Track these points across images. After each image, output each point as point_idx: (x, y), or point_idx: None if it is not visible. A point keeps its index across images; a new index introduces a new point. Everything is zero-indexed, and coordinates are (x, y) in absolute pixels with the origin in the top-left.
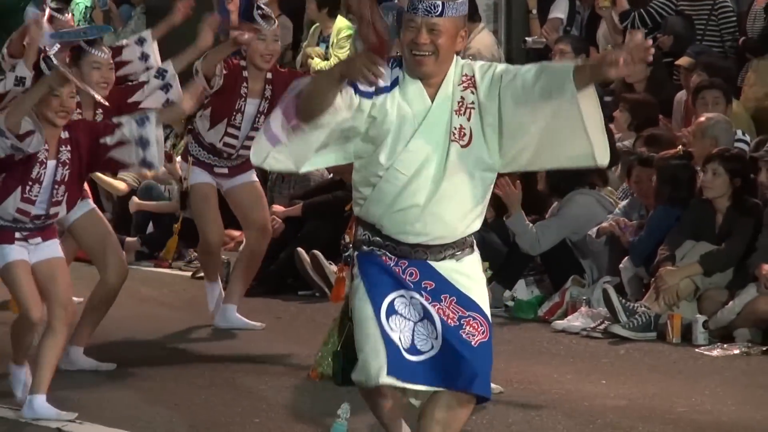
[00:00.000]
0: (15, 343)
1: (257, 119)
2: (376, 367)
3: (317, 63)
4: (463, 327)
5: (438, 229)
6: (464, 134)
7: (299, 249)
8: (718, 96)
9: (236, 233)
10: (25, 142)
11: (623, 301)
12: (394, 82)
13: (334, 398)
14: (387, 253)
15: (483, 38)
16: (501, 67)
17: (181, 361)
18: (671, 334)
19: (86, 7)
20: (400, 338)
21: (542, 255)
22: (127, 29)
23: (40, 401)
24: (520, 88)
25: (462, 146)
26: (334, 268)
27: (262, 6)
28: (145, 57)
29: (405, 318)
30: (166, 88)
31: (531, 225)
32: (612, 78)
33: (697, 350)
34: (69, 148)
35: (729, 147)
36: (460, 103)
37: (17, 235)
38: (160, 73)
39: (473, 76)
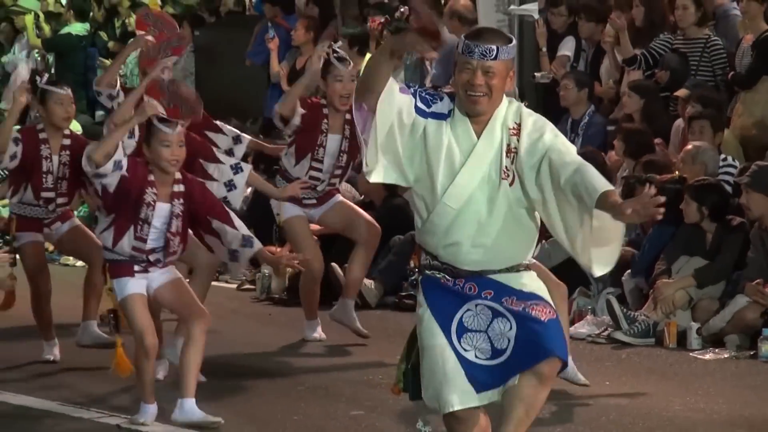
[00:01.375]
0: (140, 380)
1: (340, 155)
2: (449, 395)
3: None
4: (530, 311)
5: (491, 259)
6: (508, 174)
7: (333, 264)
8: (704, 125)
9: (276, 249)
10: (105, 171)
11: (625, 310)
12: (448, 115)
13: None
14: (446, 275)
15: None
16: (549, 137)
17: (249, 375)
18: (668, 339)
19: None
20: (476, 355)
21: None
22: (177, 66)
23: (190, 404)
24: (556, 172)
25: (508, 185)
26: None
27: (338, 49)
28: (231, 153)
29: (476, 331)
30: (231, 186)
31: (544, 242)
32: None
33: (691, 354)
34: (182, 201)
35: (713, 174)
36: (508, 146)
37: (136, 267)
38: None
39: (520, 124)
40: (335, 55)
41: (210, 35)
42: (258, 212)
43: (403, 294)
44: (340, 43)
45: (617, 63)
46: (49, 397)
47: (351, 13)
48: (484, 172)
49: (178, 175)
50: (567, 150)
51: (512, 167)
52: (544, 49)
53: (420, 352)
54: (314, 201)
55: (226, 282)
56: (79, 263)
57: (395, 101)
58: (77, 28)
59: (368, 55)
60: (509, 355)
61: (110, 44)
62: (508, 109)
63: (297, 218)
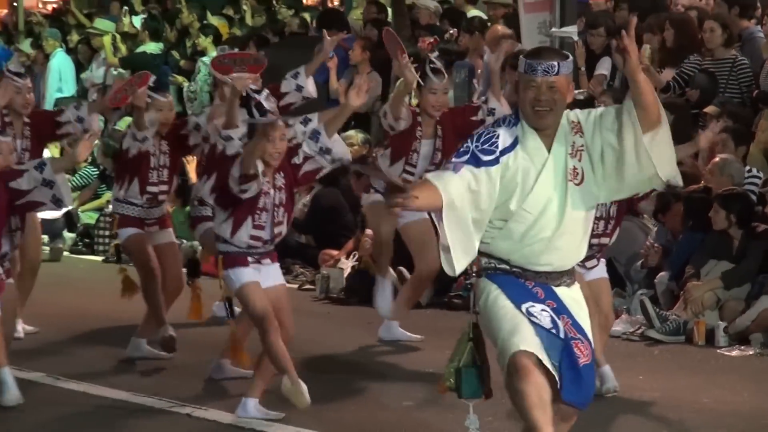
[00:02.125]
0: (276, 363)
1: (433, 157)
2: (516, 339)
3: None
4: (573, 347)
5: (560, 259)
6: (577, 174)
7: (401, 268)
8: (726, 139)
9: (334, 252)
10: (248, 186)
11: (657, 309)
12: (515, 141)
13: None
14: (514, 274)
15: None
16: (599, 110)
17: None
18: (697, 337)
19: None
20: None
21: None
22: None
23: (252, 404)
24: (609, 122)
25: (576, 184)
26: None
27: (435, 60)
28: (299, 88)
29: (539, 324)
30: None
31: None
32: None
33: (718, 351)
34: (283, 174)
35: (739, 184)
36: (573, 147)
37: (250, 259)
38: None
39: (579, 122)
40: (431, 66)
41: (274, 54)
42: (321, 215)
43: (452, 294)
44: (436, 53)
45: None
46: (146, 392)
47: (404, 34)
48: (557, 178)
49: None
50: (610, 106)
51: (580, 165)
52: (583, 68)
53: (489, 324)
54: None
55: (288, 282)
56: None
57: (456, 188)
58: (151, 48)
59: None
60: (561, 344)
61: (181, 62)
62: (564, 117)
63: (380, 206)
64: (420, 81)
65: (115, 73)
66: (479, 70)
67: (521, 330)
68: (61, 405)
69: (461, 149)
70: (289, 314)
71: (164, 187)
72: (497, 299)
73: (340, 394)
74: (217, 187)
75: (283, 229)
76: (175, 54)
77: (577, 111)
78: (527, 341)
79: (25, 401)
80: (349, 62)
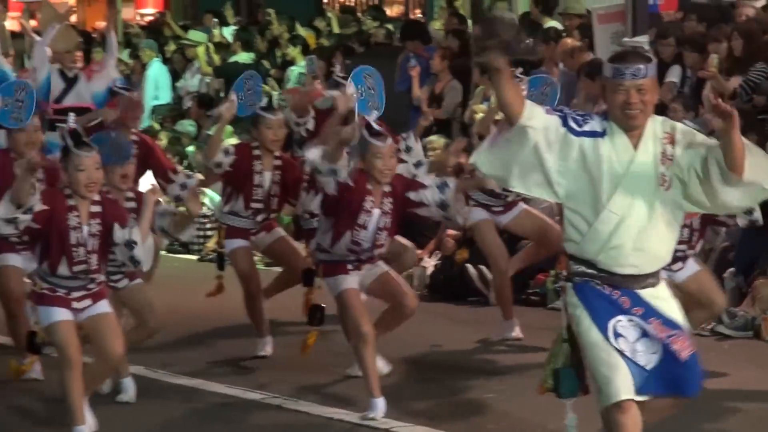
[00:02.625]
0: (364, 371)
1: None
2: (617, 386)
3: (479, 118)
4: (672, 344)
5: (646, 261)
6: (665, 180)
7: (468, 265)
8: None
9: (418, 252)
10: (339, 172)
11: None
12: (604, 132)
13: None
14: (599, 282)
15: None
16: (700, 137)
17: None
18: (764, 333)
19: (300, 73)
20: (629, 357)
21: None
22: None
23: (380, 403)
24: (704, 159)
25: (665, 190)
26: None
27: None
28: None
29: (627, 340)
30: (441, 206)
31: None
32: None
33: None
34: (391, 200)
35: None
36: (663, 154)
37: (349, 266)
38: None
39: (674, 133)
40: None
41: (359, 64)
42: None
43: (530, 291)
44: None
45: (716, 91)
46: (261, 389)
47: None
48: (644, 180)
49: None
50: (707, 142)
51: (669, 172)
52: None
53: (583, 351)
54: (501, 209)
55: None
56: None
57: (540, 120)
58: (243, 58)
59: None
60: (654, 368)
61: (272, 71)
62: (655, 121)
63: (485, 222)
64: None
65: (207, 80)
66: (554, 78)
67: (616, 377)
68: (171, 401)
69: (555, 108)
70: (401, 287)
71: (272, 209)
72: (589, 331)
73: (432, 388)
74: (323, 201)
75: (383, 250)
76: (266, 63)
77: (674, 123)
78: (624, 389)
79: (138, 397)
80: (430, 71)
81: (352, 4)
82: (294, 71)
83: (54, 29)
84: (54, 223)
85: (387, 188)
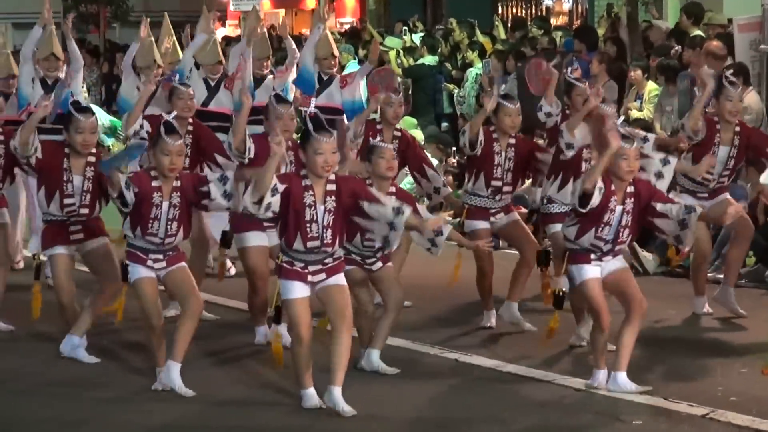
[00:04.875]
0: (594, 349)
1: (728, 162)
2: None
3: (633, 114)
4: None
5: None
6: None
7: None
8: None
9: None
10: (590, 203)
11: None
12: None
13: None
14: None
15: (752, 96)
16: None
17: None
18: None
19: (477, 74)
20: None
21: None
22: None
23: (623, 377)
24: None
25: None
26: None
27: (729, 75)
28: None
29: None
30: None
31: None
32: None
33: None
34: (632, 201)
35: None
36: None
37: (593, 256)
38: None
39: None
40: (727, 79)
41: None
42: None
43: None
44: (731, 69)
45: None
46: (498, 358)
47: (638, 50)
48: None
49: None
50: None
51: None
52: None
53: None
54: (706, 195)
55: None
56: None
57: None
58: (429, 60)
59: (650, 81)
60: None
61: (453, 72)
62: None
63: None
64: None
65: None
66: (699, 80)
67: None
68: (442, 374)
69: None
70: (635, 289)
71: (508, 188)
72: None
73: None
74: (581, 197)
75: (624, 246)
76: (448, 65)
77: None
78: None
79: (404, 371)
80: (590, 73)
81: (523, 15)
82: (472, 72)
83: (319, 31)
84: (291, 202)
85: (630, 188)
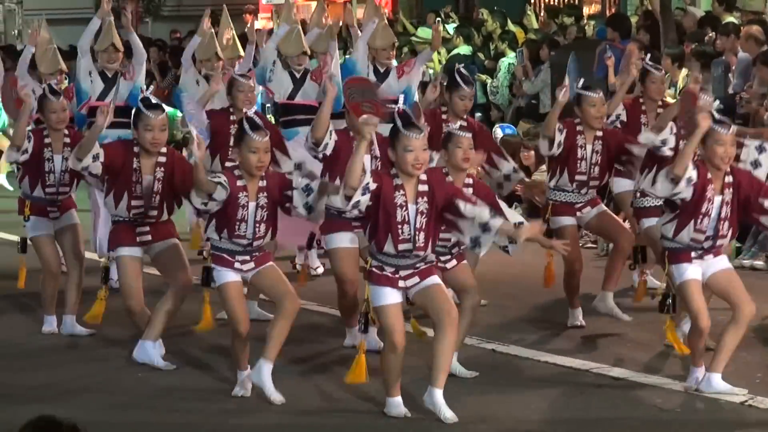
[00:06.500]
0: (693, 349)
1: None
2: None
3: (669, 102)
4: None
5: None
6: None
7: None
8: None
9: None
10: (679, 188)
11: None
12: None
13: None
14: None
15: None
16: None
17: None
18: None
19: (510, 63)
20: None
21: None
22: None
23: (717, 379)
24: None
25: None
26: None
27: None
28: None
29: None
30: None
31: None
32: None
33: None
34: (731, 191)
35: None
36: None
37: (693, 254)
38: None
39: None
40: None
41: (561, 55)
42: None
43: None
44: None
45: None
46: (584, 358)
47: (671, 37)
48: None
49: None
50: None
51: None
52: None
53: None
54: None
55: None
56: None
57: None
58: (463, 50)
59: (683, 69)
60: None
61: (486, 62)
62: None
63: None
64: None
65: (431, 72)
66: (733, 67)
67: None
68: (514, 371)
69: None
70: (740, 289)
71: (594, 182)
72: None
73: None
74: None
75: (726, 240)
76: (481, 55)
77: None
78: None
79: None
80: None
81: (557, 4)
82: (505, 62)
83: (374, 24)
84: (382, 202)
85: (729, 179)
